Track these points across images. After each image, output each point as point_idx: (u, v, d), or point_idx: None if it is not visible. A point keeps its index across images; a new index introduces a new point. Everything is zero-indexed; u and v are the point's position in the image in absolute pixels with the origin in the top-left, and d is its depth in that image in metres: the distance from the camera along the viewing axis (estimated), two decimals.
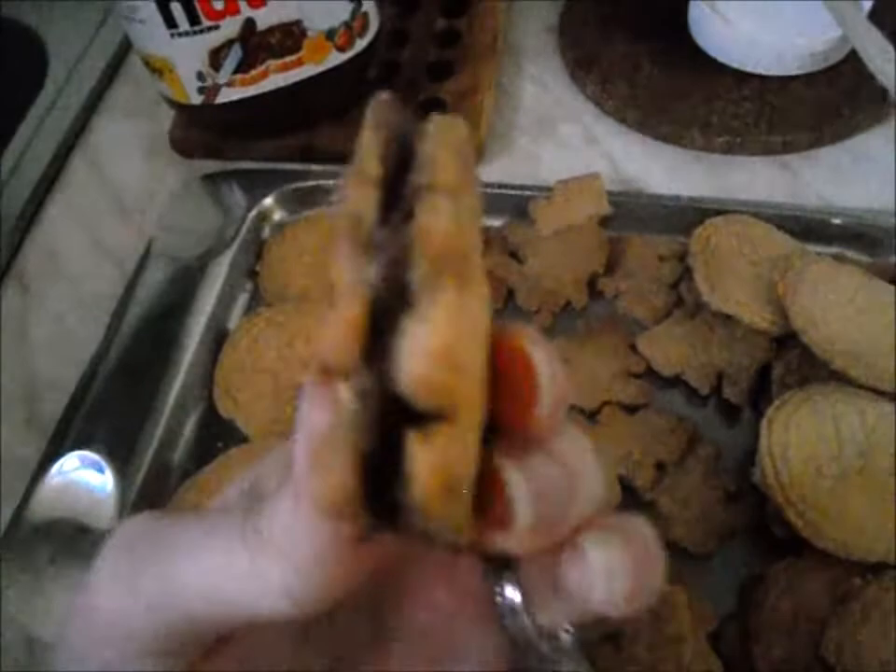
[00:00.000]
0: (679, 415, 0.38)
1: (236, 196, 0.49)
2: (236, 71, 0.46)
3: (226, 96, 0.47)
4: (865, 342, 0.36)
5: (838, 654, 0.31)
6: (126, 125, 0.58)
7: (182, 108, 0.50)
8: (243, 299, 0.46)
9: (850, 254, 0.43)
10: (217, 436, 0.41)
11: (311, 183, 0.49)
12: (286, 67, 0.47)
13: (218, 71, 0.46)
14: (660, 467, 0.37)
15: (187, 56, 0.45)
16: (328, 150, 0.51)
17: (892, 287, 0.40)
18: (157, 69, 0.47)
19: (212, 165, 0.53)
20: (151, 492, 0.39)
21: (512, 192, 0.47)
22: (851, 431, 0.35)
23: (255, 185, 0.49)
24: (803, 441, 0.35)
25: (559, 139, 0.52)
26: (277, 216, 0.49)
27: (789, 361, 0.38)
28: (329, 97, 0.50)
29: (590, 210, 0.44)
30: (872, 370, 0.36)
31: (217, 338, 0.44)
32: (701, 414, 0.39)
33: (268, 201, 0.49)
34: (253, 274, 0.47)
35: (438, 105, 0.51)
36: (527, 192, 0.46)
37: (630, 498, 0.37)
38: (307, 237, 0.47)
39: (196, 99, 0.48)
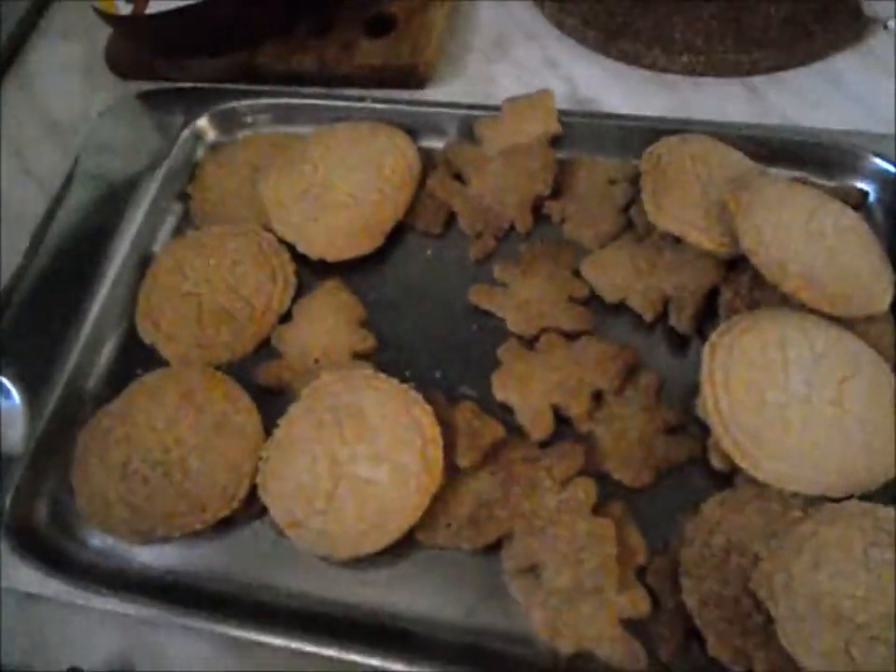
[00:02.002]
0: (620, 342, 0.36)
1: (169, 115, 0.46)
2: None
3: (157, 6, 0.44)
4: (819, 264, 0.34)
5: (769, 588, 0.29)
6: (63, 47, 0.55)
7: (113, 21, 0.47)
8: (171, 221, 0.44)
9: (814, 179, 0.40)
10: (136, 362, 0.39)
11: (248, 102, 0.46)
12: None
13: None
14: (598, 396, 0.35)
15: None
16: (269, 69, 0.48)
17: (853, 213, 0.37)
18: None
19: (149, 86, 0.50)
20: (63, 419, 0.37)
21: (459, 112, 0.44)
22: (799, 358, 0.32)
23: (189, 104, 0.47)
24: (747, 366, 0.32)
25: (515, 61, 0.49)
26: (212, 136, 0.46)
27: (738, 285, 0.36)
28: (269, 11, 0.47)
29: (538, 129, 0.41)
30: (824, 293, 0.33)
31: (142, 261, 0.42)
32: (646, 343, 0.37)
33: (202, 121, 0.46)
34: (184, 196, 0.44)
35: (388, 22, 0.48)
36: (475, 112, 0.44)
37: (565, 429, 0.34)
38: (242, 159, 0.45)
39: (124, 8, 0.45)
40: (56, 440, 0.37)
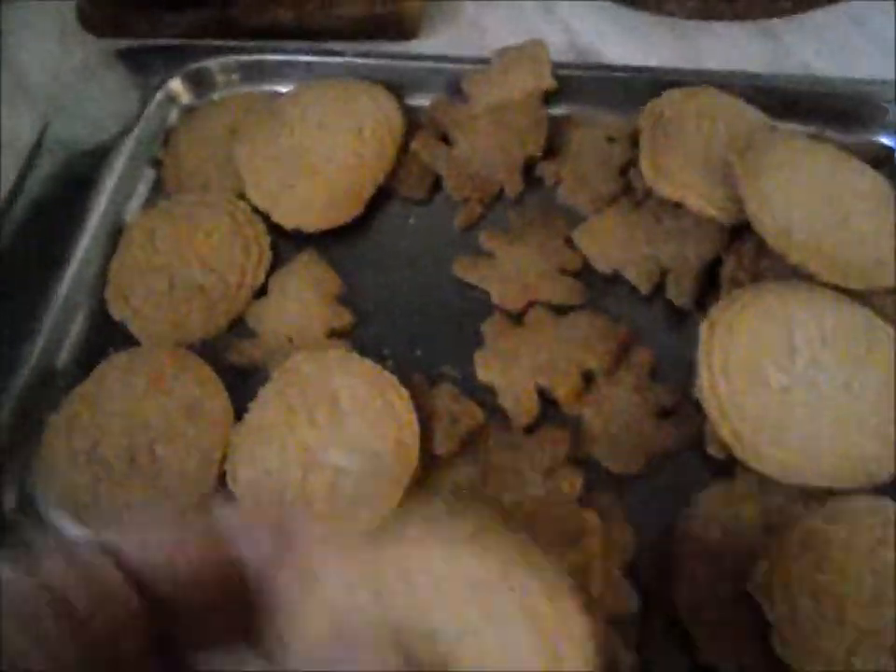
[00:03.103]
0: (613, 317, 0.33)
1: (142, 75, 0.44)
2: None
3: None
4: (831, 232, 0.31)
5: (767, 590, 0.26)
6: (34, 4, 0.52)
7: None
8: (142, 189, 0.41)
9: (831, 133, 0.36)
10: (107, 340, 0.37)
11: (221, 59, 0.43)
12: None
13: None
14: (588, 377, 0.32)
15: None
16: (245, 23, 0.45)
17: (873, 172, 0.34)
18: None
19: (123, 44, 0.47)
20: (32, 401, 0.36)
21: (448, 66, 0.41)
22: (806, 336, 0.30)
23: (164, 63, 0.44)
24: (749, 346, 0.30)
25: (508, 7, 0.45)
26: (185, 99, 0.44)
27: (741, 255, 0.33)
28: None
29: (530, 83, 0.38)
30: (835, 264, 0.30)
31: (113, 232, 0.40)
32: (641, 318, 0.34)
33: (175, 82, 0.43)
34: (156, 163, 0.42)
35: None
36: (464, 66, 0.40)
37: (551, 412, 0.32)
38: (216, 122, 0.42)
39: None
40: (24, 422, 0.35)
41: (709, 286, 0.34)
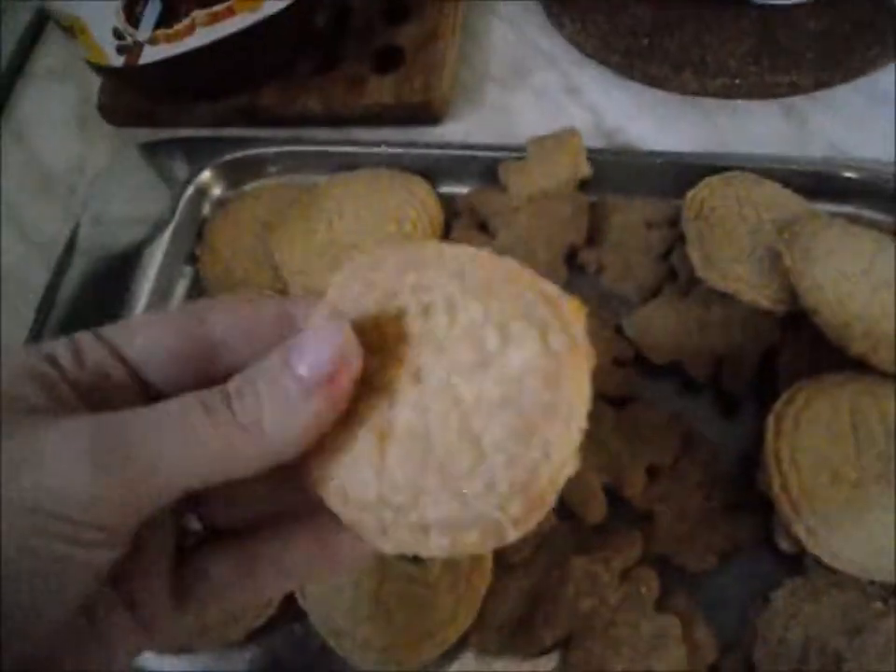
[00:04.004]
0: (668, 408, 0.34)
1: (172, 169, 0.44)
2: (158, 26, 0.40)
3: (150, 56, 0.41)
4: (886, 321, 0.31)
5: None
6: (54, 92, 0.52)
7: (105, 72, 0.44)
8: (181, 287, 0.41)
9: (867, 213, 0.37)
10: None
11: (253, 151, 0.43)
12: (215, 19, 0.41)
13: (137, 27, 0.40)
14: (651, 471, 0.33)
15: (98, 11, 0.39)
16: (273, 112, 0.45)
17: None
18: (67, 28, 0.41)
19: (146, 134, 0.47)
20: None
21: (481, 154, 0.41)
22: (870, 430, 0.30)
23: (192, 155, 0.44)
24: (815, 441, 0.30)
25: (535, 89, 0.46)
26: (217, 190, 0.44)
27: (797, 345, 0.33)
28: (269, 51, 0.44)
29: (567, 172, 0.39)
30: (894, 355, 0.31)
31: None
32: (695, 408, 0.34)
33: (206, 174, 0.43)
34: (192, 258, 0.42)
35: (395, 54, 0.45)
36: (498, 153, 0.41)
37: (619, 510, 0.32)
38: (251, 214, 0.42)
39: (116, 60, 0.42)
40: None
41: (764, 374, 0.34)
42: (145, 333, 0.20)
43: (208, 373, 0.20)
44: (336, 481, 0.18)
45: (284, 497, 0.21)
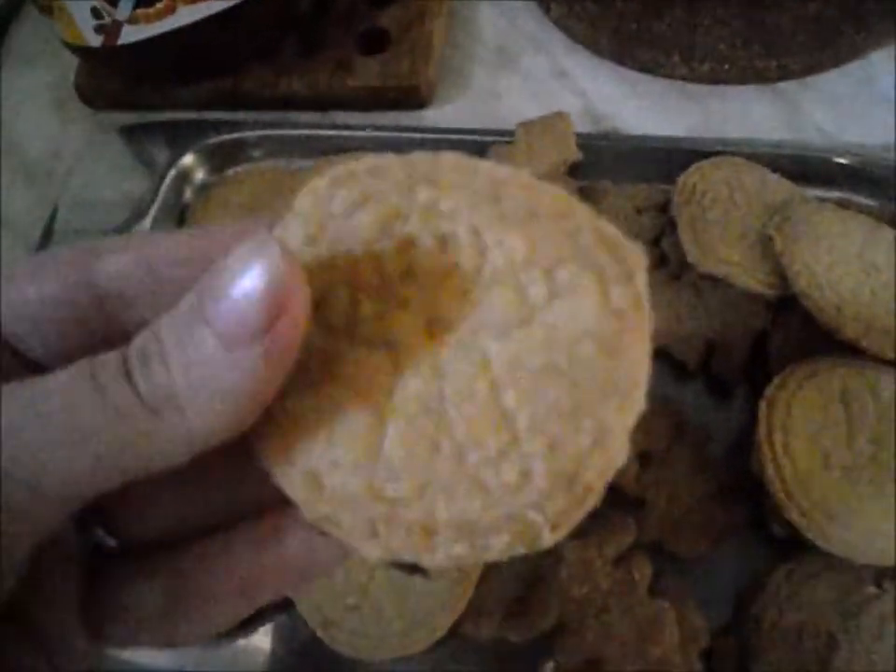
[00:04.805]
0: (659, 394, 0.33)
1: (153, 153, 0.43)
2: (137, 5, 0.39)
3: (129, 36, 0.40)
4: (879, 305, 0.31)
5: None
6: (30, 76, 0.50)
7: (82, 53, 0.43)
8: None
9: (856, 198, 0.37)
10: None
11: (236, 135, 0.42)
12: None
13: (116, 5, 0.39)
14: (643, 457, 0.32)
15: None
16: (256, 95, 0.44)
17: None
18: (44, 6, 0.40)
19: (125, 118, 0.46)
20: None
21: (468, 138, 0.41)
22: (863, 412, 0.30)
23: (173, 139, 0.43)
24: (807, 425, 0.30)
25: (523, 73, 0.45)
26: (200, 174, 0.43)
27: (789, 329, 0.33)
28: (252, 32, 0.43)
29: (556, 157, 0.38)
30: (887, 338, 0.31)
31: None
32: (686, 393, 0.34)
33: (188, 158, 0.42)
34: None
35: (380, 36, 0.45)
36: (485, 138, 0.40)
37: (611, 496, 0.32)
38: (234, 200, 0.41)
39: (94, 40, 0.41)
40: None
41: (755, 358, 0.34)
42: (16, 286, 0.14)
43: (104, 338, 0.15)
44: (303, 465, 0.14)
45: (218, 494, 0.16)
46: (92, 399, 0.13)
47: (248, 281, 0.13)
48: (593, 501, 0.14)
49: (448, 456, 0.13)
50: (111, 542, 0.17)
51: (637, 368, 0.14)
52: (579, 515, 0.14)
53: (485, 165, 0.15)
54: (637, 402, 0.14)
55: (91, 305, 0.15)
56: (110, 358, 0.13)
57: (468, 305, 0.14)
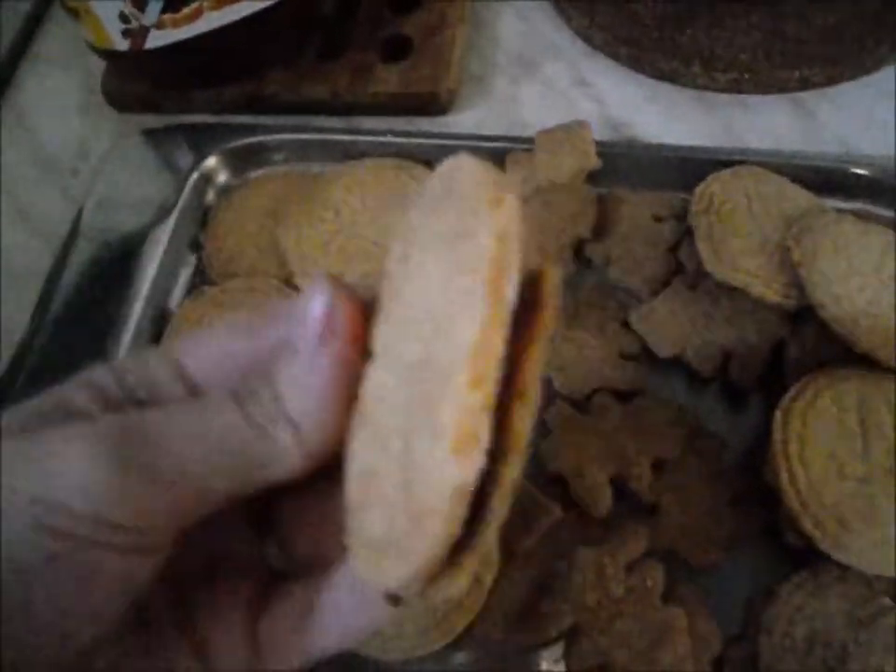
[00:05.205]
0: (674, 401, 0.34)
1: (176, 156, 0.43)
2: (165, 10, 0.40)
3: (156, 40, 0.41)
4: (893, 316, 0.31)
5: None
6: (57, 77, 0.51)
7: (109, 56, 0.44)
8: (185, 274, 0.41)
9: (875, 209, 0.37)
10: None
11: (258, 139, 0.43)
12: (222, 3, 0.40)
13: (143, 10, 0.40)
14: (657, 465, 0.33)
15: None
16: (278, 99, 0.45)
17: None
18: (73, 10, 0.41)
19: (151, 120, 0.46)
20: None
21: (487, 145, 0.41)
22: (878, 424, 0.30)
23: (197, 142, 0.43)
24: (822, 436, 0.30)
25: (542, 80, 0.45)
26: (222, 177, 0.43)
27: (805, 340, 0.33)
28: (276, 37, 0.44)
29: (576, 164, 0.39)
30: None
31: (157, 320, 0.39)
32: (701, 401, 0.34)
33: (211, 160, 0.43)
34: (196, 246, 0.42)
35: (403, 43, 0.45)
36: (505, 144, 0.41)
37: (625, 503, 0.32)
38: (256, 202, 0.42)
39: (121, 45, 0.41)
40: None
41: (771, 367, 0.34)
42: (207, 346, 0.19)
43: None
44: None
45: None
46: (231, 407, 0.17)
47: (316, 305, 0.17)
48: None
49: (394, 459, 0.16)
50: (282, 561, 0.20)
51: None
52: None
53: None
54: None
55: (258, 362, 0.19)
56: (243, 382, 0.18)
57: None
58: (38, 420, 0.17)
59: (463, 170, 0.17)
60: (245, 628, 0.18)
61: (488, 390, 0.15)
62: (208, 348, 0.19)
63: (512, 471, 0.15)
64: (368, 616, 0.18)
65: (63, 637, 0.16)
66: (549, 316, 0.16)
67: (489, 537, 0.16)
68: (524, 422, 0.16)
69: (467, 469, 0.15)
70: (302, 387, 0.17)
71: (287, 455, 0.17)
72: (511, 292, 0.15)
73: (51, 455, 0.16)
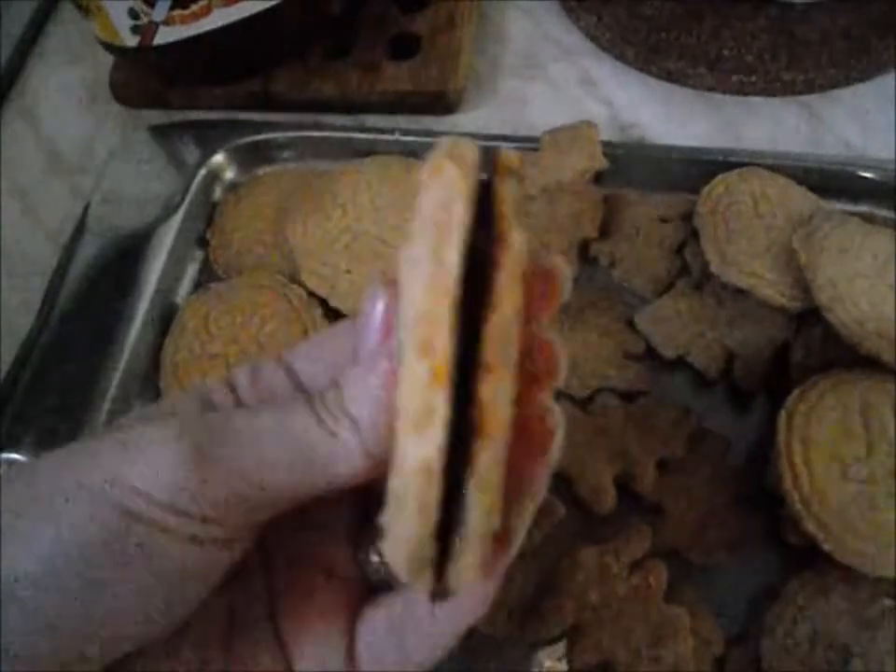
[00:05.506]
0: (678, 401, 0.34)
1: (183, 152, 0.44)
2: (174, 6, 0.40)
3: (165, 37, 0.41)
4: None
5: None
6: (64, 72, 0.51)
7: (117, 52, 0.44)
8: (192, 270, 0.41)
9: (881, 212, 0.37)
10: None
11: (266, 136, 0.43)
12: (231, 1, 0.40)
13: (153, 6, 0.40)
14: (661, 465, 0.33)
15: None
16: (286, 97, 0.45)
17: None
18: (83, 5, 0.41)
19: (158, 116, 0.47)
20: None
21: (494, 144, 0.41)
22: (882, 426, 0.30)
23: (204, 139, 0.44)
24: (826, 437, 0.30)
25: (550, 80, 0.46)
26: (230, 174, 0.43)
27: (809, 341, 0.33)
28: (285, 35, 0.44)
29: (582, 165, 0.39)
30: None
31: (164, 317, 0.39)
32: (706, 402, 0.34)
33: (219, 157, 0.43)
34: (203, 242, 0.42)
35: (410, 42, 0.45)
36: (512, 144, 0.41)
37: (628, 502, 0.32)
38: (263, 199, 0.42)
39: (130, 40, 0.41)
40: None
41: (776, 369, 0.34)
42: (317, 351, 0.20)
43: None
44: None
45: None
46: (305, 411, 0.18)
47: (374, 306, 0.18)
48: None
49: None
50: (381, 573, 0.20)
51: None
52: None
53: None
54: None
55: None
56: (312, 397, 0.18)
57: None
58: (140, 420, 0.18)
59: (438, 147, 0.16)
60: (342, 639, 0.19)
61: (438, 360, 0.14)
62: (320, 351, 0.20)
63: (487, 452, 0.14)
64: (454, 622, 0.19)
65: (146, 621, 0.16)
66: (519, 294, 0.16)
67: (479, 527, 0.15)
68: (491, 394, 0.15)
69: (427, 444, 0.14)
70: (363, 387, 0.17)
71: (350, 454, 0.17)
72: (453, 257, 0.15)
73: (137, 443, 0.17)
